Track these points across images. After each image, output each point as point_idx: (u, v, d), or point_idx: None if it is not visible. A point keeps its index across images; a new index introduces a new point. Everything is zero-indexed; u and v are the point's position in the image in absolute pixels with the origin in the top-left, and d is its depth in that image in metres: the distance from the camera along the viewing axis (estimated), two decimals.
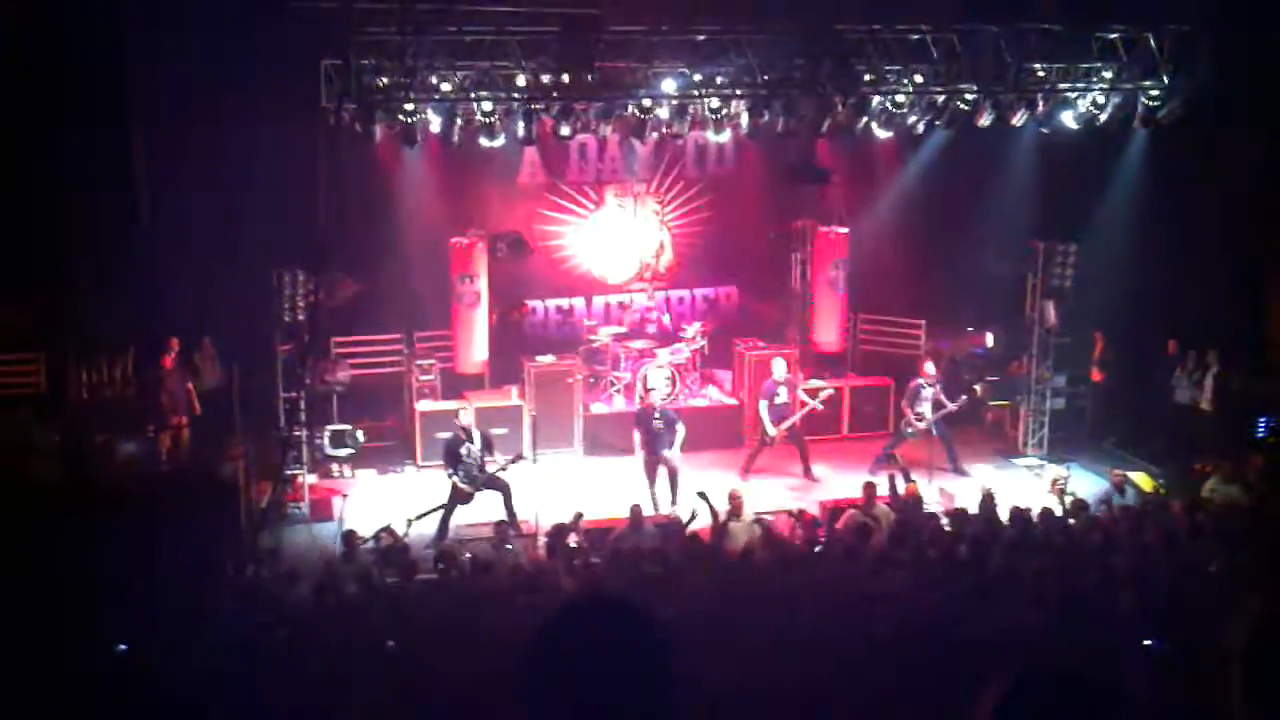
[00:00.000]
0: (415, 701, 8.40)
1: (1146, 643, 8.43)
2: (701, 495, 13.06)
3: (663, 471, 15.19)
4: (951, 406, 16.09)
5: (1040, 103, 16.38)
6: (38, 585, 10.93)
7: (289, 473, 15.12)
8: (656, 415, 15.30)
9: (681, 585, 10.61)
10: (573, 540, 12.62)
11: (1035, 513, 12.65)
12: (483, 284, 16.92)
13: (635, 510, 13.15)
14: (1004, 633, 8.75)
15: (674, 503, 14.90)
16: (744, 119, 16.30)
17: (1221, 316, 16.53)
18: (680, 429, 15.28)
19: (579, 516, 13.05)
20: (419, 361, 17.07)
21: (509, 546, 12.88)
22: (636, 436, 15.30)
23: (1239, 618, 2.67)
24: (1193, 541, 11.59)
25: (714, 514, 12.86)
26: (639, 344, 17.73)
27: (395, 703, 8.39)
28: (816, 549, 12.24)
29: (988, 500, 13.27)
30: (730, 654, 8.33)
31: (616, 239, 18.78)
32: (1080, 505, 13.40)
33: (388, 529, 13.07)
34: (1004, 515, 12.81)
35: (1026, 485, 15.71)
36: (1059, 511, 13.22)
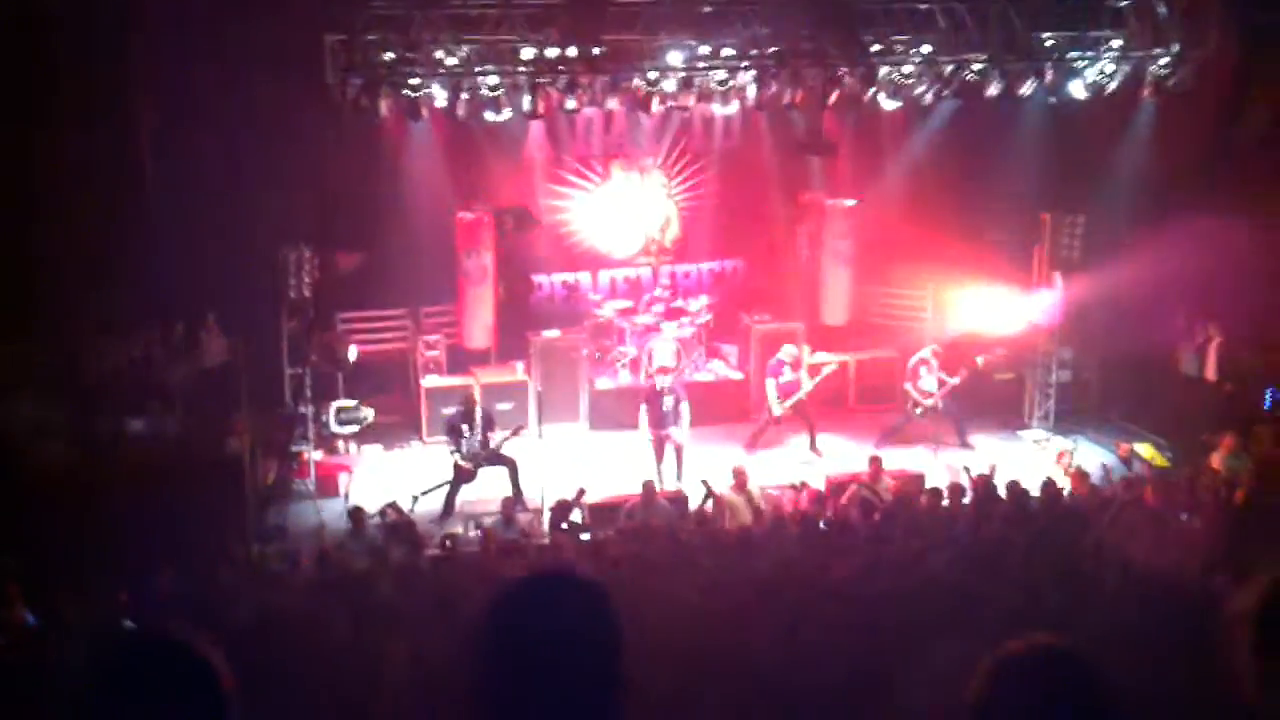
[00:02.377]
0: (423, 680, 8.45)
1: None
2: (704, 484, 13.14)
3: (670, 449, 15.21)
4: (953, 380, 16.04)
5: (1048, 72, 16.25)
6: (45, 564, 11.03)
7: (294, 449, 15.19)
8: (666, 393, 15.31)
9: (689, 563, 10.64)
10: (576, 515, 12.68)
11: (1037, 485, 12.64)
12: (489, 259, 16.90)
13: (648, 486, 13.18)
14: (995, 603, 8.75)
15: (679, 478, 14.93)
16: (750, 91, 16.20)
17: (1231, 288, 16.41)
18: (686, 408, 15.24)
19: (582, 492, 13.06)
20: (425, 337, 17.09)
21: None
22: (644, 414, 15.27)
23: (1252, 582, 2.71)
24: (1194, 513, 11.57)
25: (716, 498, 12.92)
26: (644, 318, 17.72)
27: (404, 678, 8.43)
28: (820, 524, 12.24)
29: (990, 474, 13.27)
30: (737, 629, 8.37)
31: (623, 213, 18.73)
32: (1082, 476, 13.37)
33: (393, 505, 13.12)
34: (1003, 488, 12.78)
35: (1032, 458, 15.68)
36: (1062, 484, 13.20)
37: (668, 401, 15.19)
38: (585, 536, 12.10)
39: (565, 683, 2.44)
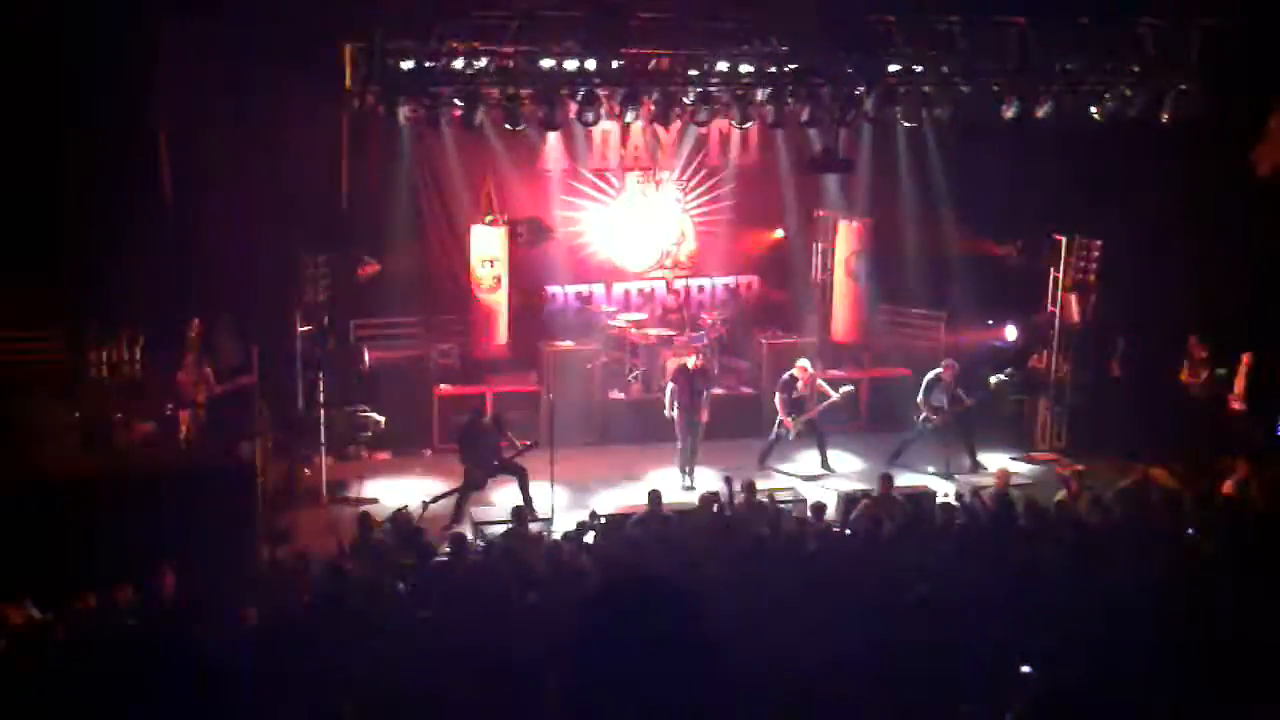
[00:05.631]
0: (434, 683, 8.43)
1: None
2: (727, 480, 13.12)
3: (694, 430, 15.81)
4: (969, 400, 16.03)
5: (1067, 95, 16.25)
6: (54, 564, 11.03)
7: (306, 454, 15.19)
8: (697, 375, 15.81)
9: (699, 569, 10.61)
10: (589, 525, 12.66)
11: (1049, 506, 12.60)
12: (503, 268, 16.93)
13: (654, 496, 13.17)
14: (1013, 626, 8.72)
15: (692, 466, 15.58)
16: (768, 108, 16.22)
17: (1246, 312, 16.36)
18: (707, 394, 16.03)
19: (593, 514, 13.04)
20: (438, 345, 17.09)
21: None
22: (670, 394, 15.85)
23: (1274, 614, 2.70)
24: (1204, 537, 11.51)
25: (731, 499, 12.91)
26: (658, 331, 17.73)
27: (412, 684, 8.41)
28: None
29: (1002, 493, 13.23)
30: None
31: (638, 226, 18.74)
32: (1094, 499, 13.33)
33: (404, 511, 13.10)
34: (1018, 509, 12.74)
35: (1044, 480, 15.63)
36: (1074, 505, 13.16)
37: (698, 381, 15.72)
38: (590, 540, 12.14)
39: (655, 687, 2.43)
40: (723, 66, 15.71)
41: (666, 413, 15.96)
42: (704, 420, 15.94)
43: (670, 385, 16.01)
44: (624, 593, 2.61)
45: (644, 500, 13.21)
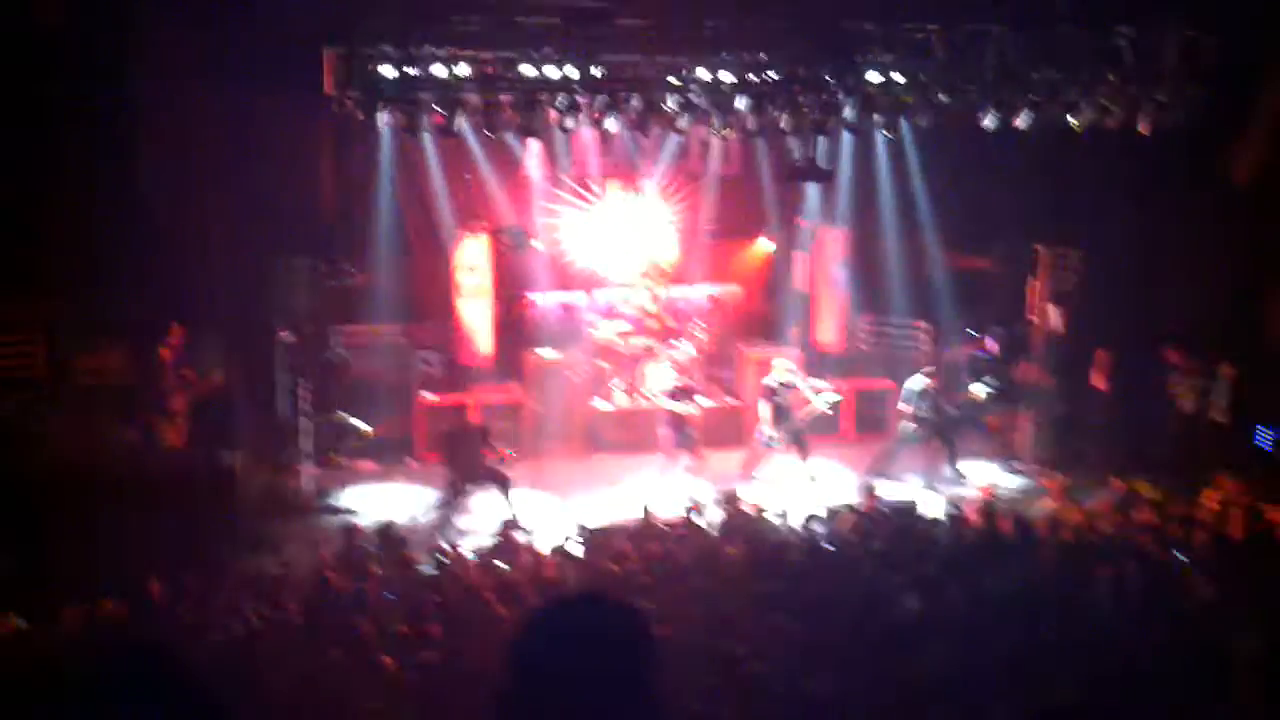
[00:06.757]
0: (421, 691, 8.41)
1: None
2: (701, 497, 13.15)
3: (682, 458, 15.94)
4: (952, 409, 16.07)
5: (1045, 105, 16.33)
6: (34, 570, 10.96)
7: (289, 462, 15.11)
8: (684, 392, 16.11)
9: (687, 585, 10.61)
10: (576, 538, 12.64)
11: (1032, 518, 12.63)
12: (485, 276, 16.88)
13: (646, 511, 13.17)
14: (996, 644, 8.74)
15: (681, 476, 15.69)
16: (748, 115, 16.23)
17: (1224, 324, 16.45)
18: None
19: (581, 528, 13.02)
20: (421, 353, 17.03)
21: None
22: (665, 433, 16.00)
23: (1258, 626, 2.70)
24: (1185, 551, 11.56)
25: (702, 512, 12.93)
26: (640, 340, 17.71)
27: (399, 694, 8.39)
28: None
29: (986, 505, 13.25)
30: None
31: (619, 234, 18.73)
32: (1079, 511, 13.36)
33: (388, 521, 13.05)
34: (1002, 521, 12.76)
35: (1026, 490, 15.67)
36: (1058, 517, 13.18)
37: (683, 394, 16.06)
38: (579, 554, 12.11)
39: (596, 707, 2.41)
40: (703, 74, 15.70)
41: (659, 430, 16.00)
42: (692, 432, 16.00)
43: (662, 399, 15.98)
44: (562, 616, 2.58)
45: (628, 511, 13.20)
